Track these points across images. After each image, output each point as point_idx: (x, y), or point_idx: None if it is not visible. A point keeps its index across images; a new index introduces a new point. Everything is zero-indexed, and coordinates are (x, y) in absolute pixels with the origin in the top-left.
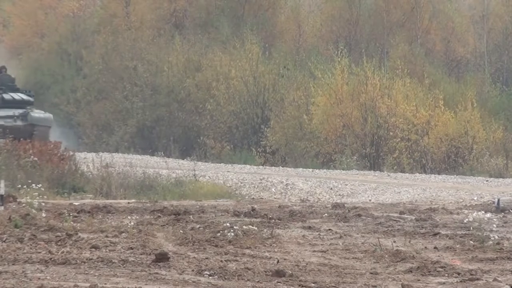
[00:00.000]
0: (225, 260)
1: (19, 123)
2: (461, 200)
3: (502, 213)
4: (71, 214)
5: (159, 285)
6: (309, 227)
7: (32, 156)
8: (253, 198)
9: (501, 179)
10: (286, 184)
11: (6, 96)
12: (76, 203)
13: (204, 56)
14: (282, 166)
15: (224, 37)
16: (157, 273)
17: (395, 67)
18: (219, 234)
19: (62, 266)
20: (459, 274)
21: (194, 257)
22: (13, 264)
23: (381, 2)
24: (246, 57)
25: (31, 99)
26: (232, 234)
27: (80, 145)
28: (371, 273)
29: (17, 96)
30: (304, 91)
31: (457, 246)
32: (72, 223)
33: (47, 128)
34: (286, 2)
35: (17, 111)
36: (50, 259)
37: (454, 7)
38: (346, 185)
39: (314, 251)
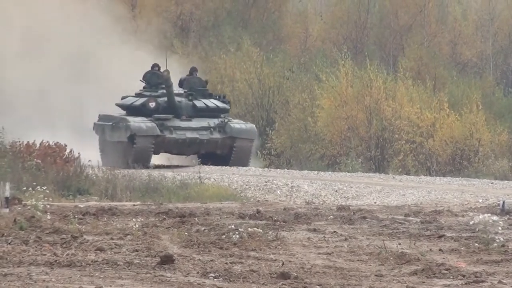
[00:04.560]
0: (230, 262)
1: (216, 135)
2: (466, 203)
3: (507, 216)
4: (76, 217)
5: (164, 287)
6: (314, 230)
7: (35, 159)
8: (258, 201)
9: (506, 181)
10: (291, 186)
11: (198, 103)
12: (81, 206)
13: (206, 59)
14: (287, 169)
15: (229, 40)
16: (162, 275)
17: (403, 70)
18: (224, 236)
19: (67, 268)
20: (464, 276)
21: (199, 259)
22: (18, 267)
23: (389, 5)
24: (251, 59)
25: (226, 106)
26: (237, 236)
27: None
28: (376, 275)
29: (211, 103)
30: (309, 93)
31: (462, 248)
32: (77, 225)
33: (250, 141)
34: (292, 4)
35: (212, 121)
36: (55, 261)
37: (461, 10)
38: (351, 187)
39: (319, 253)
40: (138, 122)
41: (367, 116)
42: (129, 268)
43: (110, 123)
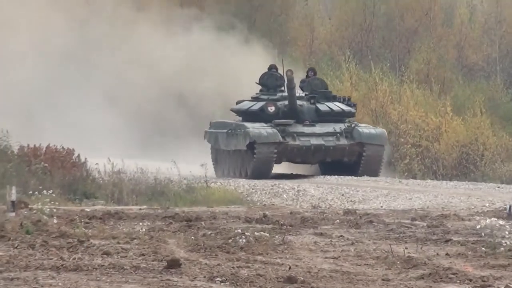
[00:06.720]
0: (237, 267)
1: (343, 141)
2: (473, 207)
3: None
4: (82, 221)
5: None
6: (321, 234)
7: (42, 163)
8: (265, 205)
9: None
10: (298, 190)
11: (322, 106)
12: (88, 209)
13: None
14: (294, 173)
15: (235, 42)
16: (169, 279)
17: (408, 72)
18: (230, 240)
19: (74, 272)
20: (471, 280)
21: (206, 264)
22: (25, 271)
23: (394, 8)
24: (257, 62)
25: (352, 109)
26: (244, 240)
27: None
28: (383, 280)
29: (336, 106)
30: None
31: (469, 252)
32: (83, 229)
33: (381, 148)
34: (298, 7)
35: (338, 126)
36: (62, 265)
37: (468, 13)
38: (358, 191)
39: (326, 257)
40: (257, 128)
41: (373, 119)
42: (136, 272)
43: (225, 131)
